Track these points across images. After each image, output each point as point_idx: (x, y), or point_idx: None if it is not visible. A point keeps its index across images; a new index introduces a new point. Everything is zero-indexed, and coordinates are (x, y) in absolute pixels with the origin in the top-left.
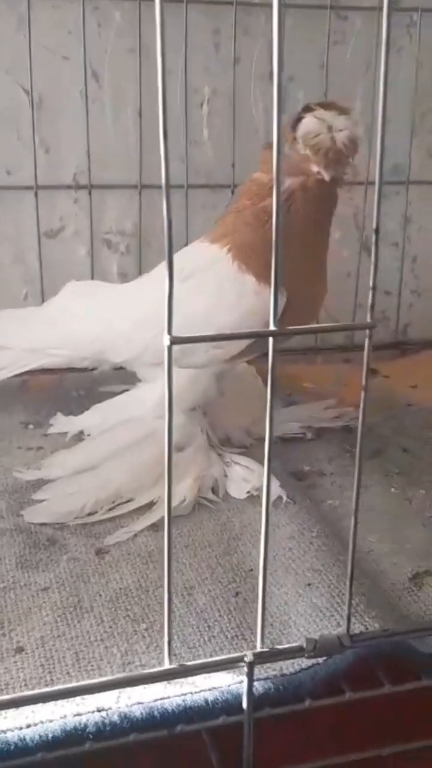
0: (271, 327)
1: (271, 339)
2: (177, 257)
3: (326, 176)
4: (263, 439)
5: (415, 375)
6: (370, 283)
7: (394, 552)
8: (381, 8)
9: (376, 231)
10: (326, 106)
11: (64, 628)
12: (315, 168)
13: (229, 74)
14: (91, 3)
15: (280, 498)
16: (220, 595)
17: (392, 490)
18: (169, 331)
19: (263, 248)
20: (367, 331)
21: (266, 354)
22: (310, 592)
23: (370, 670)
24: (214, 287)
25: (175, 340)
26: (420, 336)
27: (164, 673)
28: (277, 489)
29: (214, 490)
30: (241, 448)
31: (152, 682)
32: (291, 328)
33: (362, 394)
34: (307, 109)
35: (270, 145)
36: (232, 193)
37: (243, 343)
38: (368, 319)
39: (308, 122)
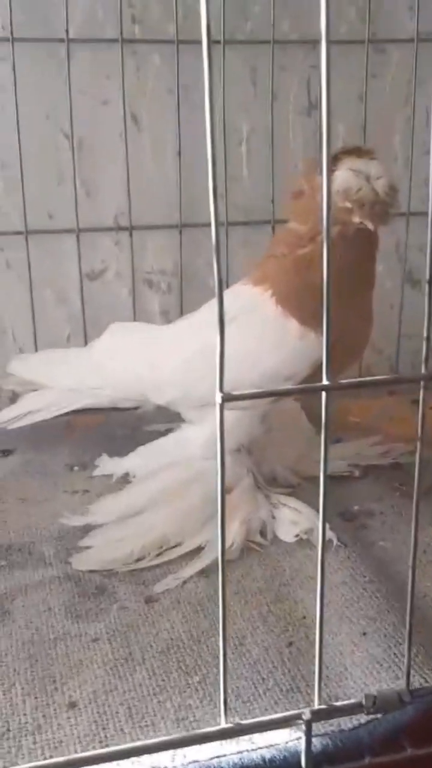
0: (324, 381)
1: (324, 393)
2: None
3: (371, 226)
4: (310, 479)
5: None
6: (425, 334)
7: None
8: (417, 39)
9: (430, 282)
10: (354, 153)
11: (116, 681)
12: (357, 219)
13: (267, 111)
14: (130, 47)
15: (330, 541)
16: (273, 645)
17: None
18: (221, 388)
19: (305, 294)
20: (422, 382)
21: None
22: (366, 641)
23: None
24: (258, 330)
25: (227, 398)
26: None
27: (220, 733)
28: (327, 532)
29: (262, 533)
30: (287, 488)
31: (208, 741)
32: (344, 382)
33: (418, 448)
34: (336, 159)
35: (297, 194)
36: (273, 229)
37: (291, 382)
38: (423, 371)
39: (346, 177)
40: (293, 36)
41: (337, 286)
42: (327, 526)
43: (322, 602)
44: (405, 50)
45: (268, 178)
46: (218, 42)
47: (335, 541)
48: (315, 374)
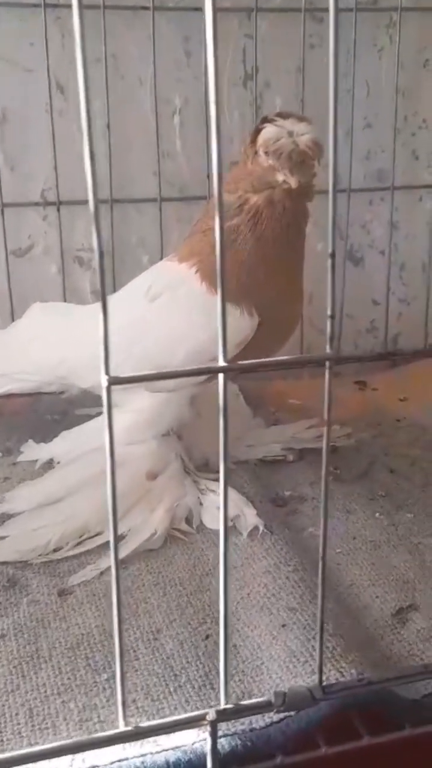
0: (220, 362)
1: (221, 376)
2: (145, 275)
3: (293, 183)
4: (242, 464)
5: (405, 387)
6: (328, 312)
7: (377, 584)
8: (357, 9)
9: (332, 255)
10: (284, 115)
11: (19, 680)
12: (280, 177)
13: (200, 83)
14: (54, 13)
15: (256, 528)
16: (189, 638)
17: (377, 515)
18: (107, 371)
19: (232, 269)
20: (327, 363)
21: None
22: (285, 634)
23: (348, 721)
24: (184, 308)
25: (113, 380)
26: (410, 346)
27: (117, 737)
28: (253, 518)
29: (188, 521)
30: (217, 473)
31: (105, 746)
32: (243, 363)
33: (325, 433)
34: (264, 120)
35: (235, 163)
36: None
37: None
38: (328, 350)
39: (268, 130)
40: (227, 3)
41: (264, 259)
42: (254, 512)
43: (226, 598)
44: (344, 20)
45: (202, 152)
46: (147, 8)
47: (261, 528)
48: (245, 353)
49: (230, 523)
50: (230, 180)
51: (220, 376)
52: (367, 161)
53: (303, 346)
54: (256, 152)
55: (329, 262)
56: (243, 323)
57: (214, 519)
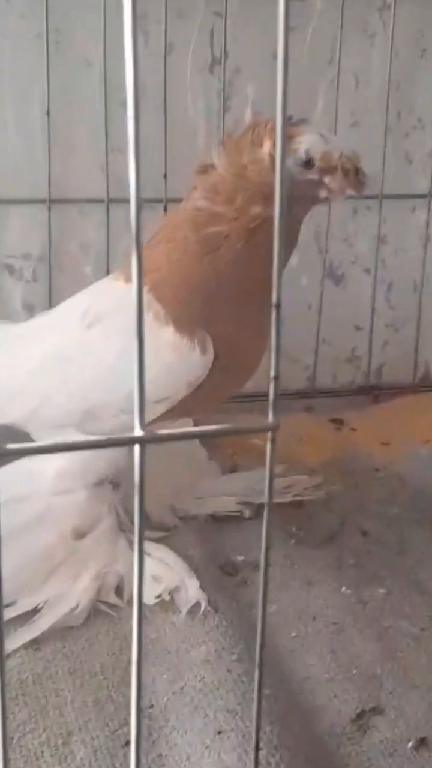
0: (136, 431)
1: (136, 448)
2: (84, 295)
3: (341, 199)
4: (190, 520)
5: (389, 429)
6: (271, 373)
7: (336, 679)
8: None
9: (277, 306)
10: (303, 122)
11: None
12: (324, 193)
13: (159, 66)
14: None
15: (198, 604)
16: (106, 744)
17: (343, 589)
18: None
19: (192, 286)
20: (270, 434)
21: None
22: (220, 743)
23: None
24: (125, 338)
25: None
26: (395, 379)
27: None
28: (195, 591)
29: (118, 591)
30: (161, 531)
31: None
32: (163, 433)
33: (265, 512)
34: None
35: (203, 168)
36: (165, 210)
37: (162, 406)
38: (270, 418)
39: (318, 140)
40: None
41: (243, 282)
42: (196, 583)
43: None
44: (330, 1)
45: (160, 147)
46: None
47: (204, 604)
48: (198, 395)
49: (168, 597)
50: (214, 190)
51: (136, 448)
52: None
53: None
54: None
55: (273, 313)
56: (194, 360)
57: (147, 590)
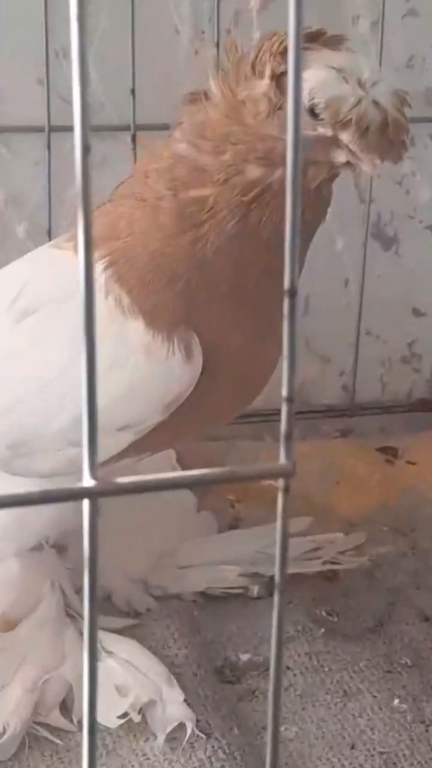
0: (86, 480)
1: (86, 503)
2: (11, 273)
3: (372, 171)
4: (175, 599)
5: None
6: (283, 392)
7: None
8: None
9: (290, 293)
10: (324, 41)
11: None
12: (342, 156)
13: None
14: None
15: (181, 727)
16: None
17: (396, 702)
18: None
19: (175, 271)
20: (281, 481)
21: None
22: None
23: None
24: (71, 340)
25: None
26: None
27: None
28: (178, 708)
29: (64, 708)
30: (129, 619)
31: None
32: (123, 482)
33: (276, 596)
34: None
35: (194, 97)
36: (133, 141)
37: (129, 434)
38: (281, 459)
39: (326, 80)
40: None
41: (242, 268)
42: (181, 696)
43: None
44: None
45: (125, 49)
46: None
47: (191, 727)
48: (182, 418)
49: (138, 717)
50: (199, 129)
51: (85, 503)
52: (410, 72)
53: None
54: (280, 107)
55: (285, 304)
56: (174, 369)
57: (108, 708)
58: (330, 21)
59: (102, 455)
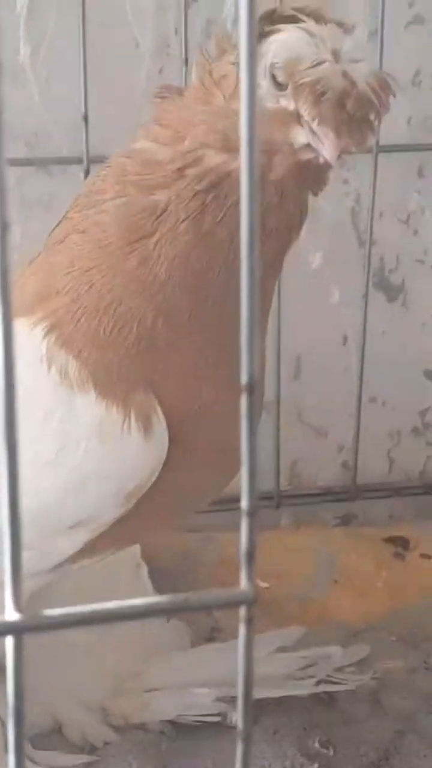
0: (8, 614)
1: (8, 640)
2: None
3: (330, 154)
4: (140, 729)
5: None
6: (243, 504)
7: None
8: None
9: (249, 388)
10: (315, 16)
11: None
12: (303, 137)
13: None
14: None
15: None
16: None
17: None
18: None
19: (128, 311)
20: (243, 609)
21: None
22: None
23: None
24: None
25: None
26: None
27: None
28: None
29: None
30: (82, 756)
31: None
32: (54, 614)
33: (238, 745)
34: (277, 18)
35: (165, 91)
36: (87, 175)
37: (83, 533)
38: (242, 584)
39: (293, 40)
40: None
41: (205, 289)
42: None
43: None
44: None
45: (75, 68)
46: None
47: None
48: (147, 508)
49: None
50: (163, 120)
51: (8, 640)
52: (415, 91)
53: (278, 473)
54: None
55: (243, 399)
56: (134, 449)
57: None
58: None
59: (53, 558)
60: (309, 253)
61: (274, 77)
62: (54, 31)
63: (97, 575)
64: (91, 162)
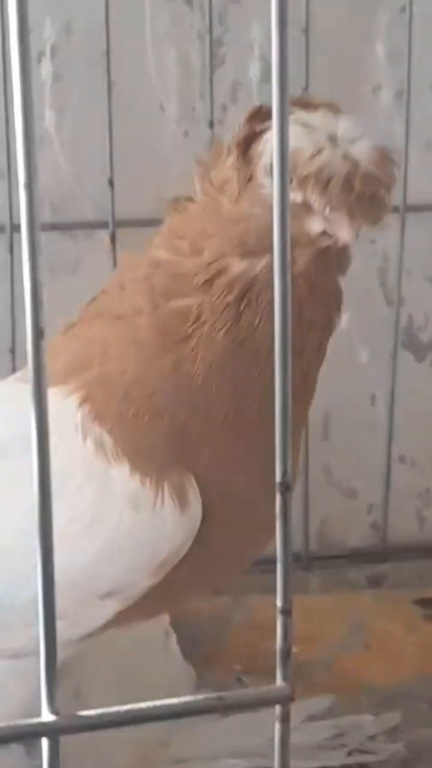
0: (44, 715)
1: (44, 742)
2: None
3: (347, 235)
4: None
5: None
6: (278, 603)
7: None
8: None
9: (284, 487)
10: (302, 104)
11: None
12: (318, 226)
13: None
14: None
15: None
16: None
17: None
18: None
19: (161, 400)
20: (278, 709)
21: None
22: None
23: None
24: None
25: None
26: None
27: None
28: None
29: None
30: None
31: None
32: (89, 715)
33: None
34: (266, 114)
35: (177, 204)
36: (112, 240)
37: (116, 602)
38: (279, 681)
39: (292, 135)
40: None
41: (241, 387)
42: None
43: None
44: None
45: (102, 134)
46: None
47: None
48: (179, 577)
49: None
50: (178, 232)
51: (44, 741)
52: None
53: (307, 534)
54: (250, 177)
55: (278, 500)
56: (167, 522)
57: None
58: (346, 92)
59: (82, 628)
60: None
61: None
62: (79, 95)
63: (126, 644)
64: (117, 226)
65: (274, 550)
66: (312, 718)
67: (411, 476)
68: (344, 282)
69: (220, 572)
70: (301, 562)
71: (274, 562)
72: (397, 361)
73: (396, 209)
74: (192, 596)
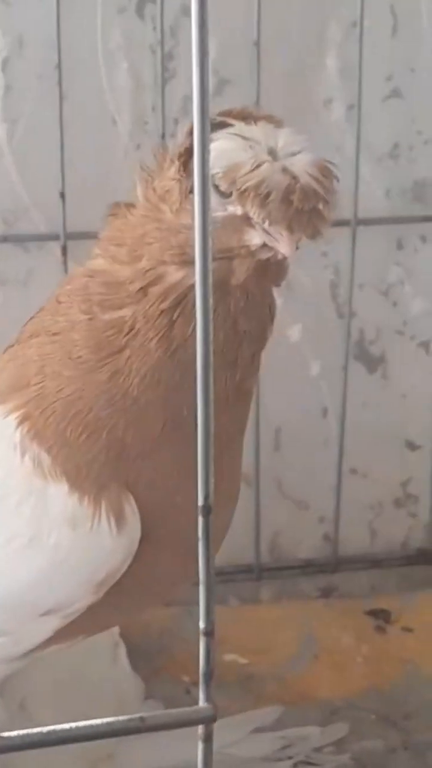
0: None
1: None
2: None
3: (286, 248)
4: None
5: None
6: (201, 624)
7: None
8: None
9: (205, 510)
10: (243, 116)
11: None
12: (258, 238)
13: (50, 3)
14: None
15: None
16: None
17: None
18: None
19: (98, 416)
20: (200, 729)
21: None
22: None
23: None
24: None
25: None
26: None
27: None
28: None
29: None
30: None
31: None
32: (9, 736)
33: None
34: (211, 127)
35: (117, 210)
36: (64, 252)
37: (55, 619)
38: (201, 702)
39: (229, 146)
40: None
41: (175, 401)
42: None
43: None
44: None
45: (53, 147)
46: None
47: None
48: (119, 594)
49: None
50: (117, 239)
51: None
52: (393, 164)
53: (258, 545)
54: (191, 189)
55: (199, 521)
56: (104, 541)
57: None
58: (297, 106)
59: (24, 644)
60: (288, 326)
61: (216, 187)
62: (31, 108)
63: (75, 655)
64: (68, 238)
65: (224, 560)
66: (259, 729)
67: (362, 488)
68: (296, 295)
69: (162, 589)
70: (252, 573)
71: (225, 573)
72: (349, 374)
73: (347, 223)
74: (131, 614)
